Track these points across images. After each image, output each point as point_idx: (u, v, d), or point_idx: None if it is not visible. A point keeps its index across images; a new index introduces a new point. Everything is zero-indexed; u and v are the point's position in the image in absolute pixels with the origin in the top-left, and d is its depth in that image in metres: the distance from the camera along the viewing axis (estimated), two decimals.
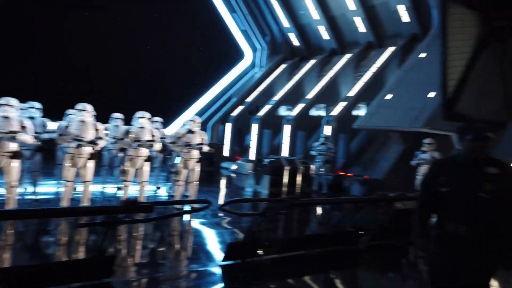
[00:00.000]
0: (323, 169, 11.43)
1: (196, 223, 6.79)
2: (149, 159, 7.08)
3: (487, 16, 9.32)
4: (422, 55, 12.15)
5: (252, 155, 16.48)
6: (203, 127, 18.99)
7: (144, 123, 7.06)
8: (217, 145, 16.81)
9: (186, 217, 6.91)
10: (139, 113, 7.20)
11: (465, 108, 9.40)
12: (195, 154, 7.51)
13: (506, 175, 2.45)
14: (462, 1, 8.99)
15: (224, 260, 4.40)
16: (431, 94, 10.39)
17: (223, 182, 13.56)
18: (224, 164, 16.26)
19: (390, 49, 15.15)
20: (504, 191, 2.42)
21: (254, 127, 16.68)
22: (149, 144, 6.92)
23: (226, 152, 17.77)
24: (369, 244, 5.76)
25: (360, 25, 16.41)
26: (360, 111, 14.07)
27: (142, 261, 4.79)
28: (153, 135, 7.07)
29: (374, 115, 11.38)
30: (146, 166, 7.06)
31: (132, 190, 7.73)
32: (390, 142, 12.80)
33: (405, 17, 14.83)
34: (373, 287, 5.06)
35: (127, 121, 8.45)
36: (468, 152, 2.49)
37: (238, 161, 15.66)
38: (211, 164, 14.09)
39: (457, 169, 2.53)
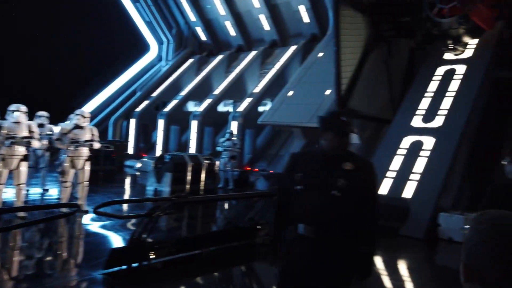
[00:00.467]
0: (228, 165, 11.42)
1: (79, 228, 6.22)
2: (25, 158, 6.24)
3: (374, 20, 10.13)
4: (320, 54, 12.81)
5: (158, 152, 15.85)
6: (104, 123, 17.89)
7: (20, 117, 6.20)
8: (119, 142, 15.84)
9: (63, 222, 6.29)
10: (13, 106, 6.26)
11: (356, 104, 10.11)
12: (84, 152, 6.86)
13: (361, 170, 2.25)
14: (352, 5, 9.63)
15: (106, 268, 4.04)
16: (328, 91, 11.00)
17: (127, 182, 12.81)
18: (128, 162, 15.39)
19: (293, 48, 15.73)
20: (356, 187, 2.19)
21: (161, 123, 16.05)
22: (26, 141, 6.11)
23: (130, 149, 16.83)
24: (265, 238, 5.83)
25: (265, 23, 16.77)
26: (265, 107, 14.38)
27: (10, 275, 4.18)
28: (31, 131, 6.26)
29: (276, 111, 11.70)
30: (23, 167, 6.23)
31: (9, 194, 6.82)
32: (293, 137, 13.31)
33: (305, 17, 15.52)
34: (268, 280, 5.11)
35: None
36: (327, 148, 2.25)
37: (143, 159, 14.93)
38: (112, 162, 13.23)
39: (313, 165, 2.29)
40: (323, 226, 2.20)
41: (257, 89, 14.56)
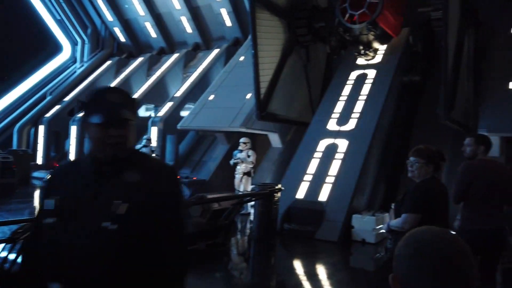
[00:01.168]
0: None
1: None
2: None
3: (290, 24, 10.19)
4: (242, 58, 12.67)
5: None
6: (8, 130, 16.04)
7: None
8: (23, 151, 14.29)
9: None
10: None
11: (276, 108, 10.09)
12: None
13: (155, 181, 1.43)
14: (269, 8, 9.58)
15: None
16: (249, 95, 10.85)
17: (32, 195, 11.47)
18: (36, 174, 13.92)
19: (216, 51, 15.45)
20: (145, 211, 1.36)
21: (74, 130, 14.75)
22: None
23: (39, 159, 15.25)
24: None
25: (187, 26, 16.28)
26: (188, 112, 13.89)
27: None
28: None
29: (197, 116, 11.30)
30: None
31: None
32: (216, 143, 12.98)
33: (228, 21, 15.34)
34: None
35: None
36: (94, 148, 1.44)
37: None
38: (12, 174, 11.82)
39: (76, 181, 1.43)
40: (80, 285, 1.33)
41: (178, 93, 14.01)
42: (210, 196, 6.87)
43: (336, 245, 6.73)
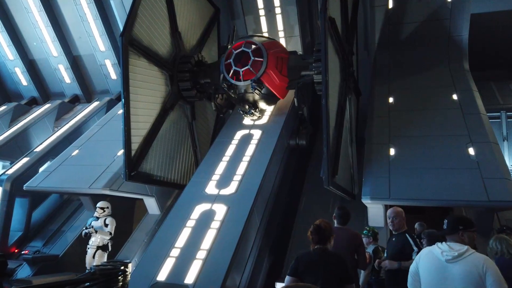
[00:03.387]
0: None
1: None
2: None
3: (173, 76, 9.25)
4: (120, 111, 11.21)
5: None
6: None
7: None
8: None
9: None
10: None
11: (151, 168, 8.67)
12: None
13: None
14: (147, 57, 8.54)
15: None
16: (121, 152, 9.28)
17: None
18: None
19: (95, 104, 13.77)
20: None
21: None
22: None
23: None
24: None
25: (65, 75, 14.48)
26: None
27: None
28: None
29: (52, 174, 9.24)
30: None
31: None
32: (82, 209, 10.82)
33: (112, 73, 14.00)
34: None
35: None
36: None
37: None
38: None
39: None
40: None
41: (40, 147, 11.73)
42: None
43: None
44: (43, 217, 11.32)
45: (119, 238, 9.46)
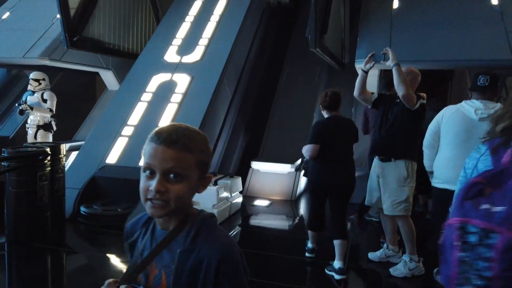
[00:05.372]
0: None
1: None
2: None
3: None
4: None
5: None
6: None
7: None
8: None
9: None
10: None
11: (101, 34, 7.05)
12: None
13: None
14: None
15: None
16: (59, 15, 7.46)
17: None
18: None
19: None
20: None
21: None
22: None
23: None
24: None
25: None
26: None
27: None
28: None
29: None
30: None
31: None
32: None
33: None
34: None
35: None
36: None
37: None
38: None
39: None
40: None
41: None
42: None
43: None
44: None
45: (79, 119, 8.35)
